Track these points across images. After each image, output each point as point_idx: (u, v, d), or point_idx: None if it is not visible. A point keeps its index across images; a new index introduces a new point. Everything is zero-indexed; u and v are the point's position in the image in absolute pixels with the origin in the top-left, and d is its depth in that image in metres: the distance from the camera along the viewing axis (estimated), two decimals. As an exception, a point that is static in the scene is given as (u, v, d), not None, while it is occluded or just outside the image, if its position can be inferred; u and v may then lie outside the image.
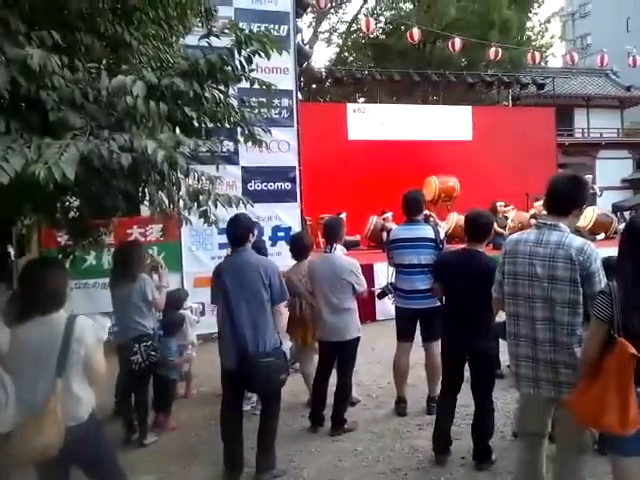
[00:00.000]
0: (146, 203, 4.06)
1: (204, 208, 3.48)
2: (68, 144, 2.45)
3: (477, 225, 4.17)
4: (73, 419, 2.72)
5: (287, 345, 5.67)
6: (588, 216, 12.30)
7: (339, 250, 4.93)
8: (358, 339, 4.88)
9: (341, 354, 4.86)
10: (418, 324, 5.14)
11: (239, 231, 4.09)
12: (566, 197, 3.02)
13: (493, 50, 17.47)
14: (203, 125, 3.76)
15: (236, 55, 3.42)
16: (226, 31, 3.77)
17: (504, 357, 5.10)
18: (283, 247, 7.49)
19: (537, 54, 19.40)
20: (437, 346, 4.92)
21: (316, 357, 5.18)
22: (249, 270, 3.99)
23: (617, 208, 20.65)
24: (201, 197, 3.36)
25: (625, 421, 2.41)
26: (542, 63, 25.03)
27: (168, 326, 5.20)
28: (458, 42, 17.09)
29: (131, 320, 4.66)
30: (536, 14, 27.00)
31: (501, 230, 11.49)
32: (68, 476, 2.96)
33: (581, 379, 2.68)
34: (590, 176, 18.01)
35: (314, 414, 4.92)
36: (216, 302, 4.21)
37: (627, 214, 17.80)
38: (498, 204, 12.61)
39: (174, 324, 5.28)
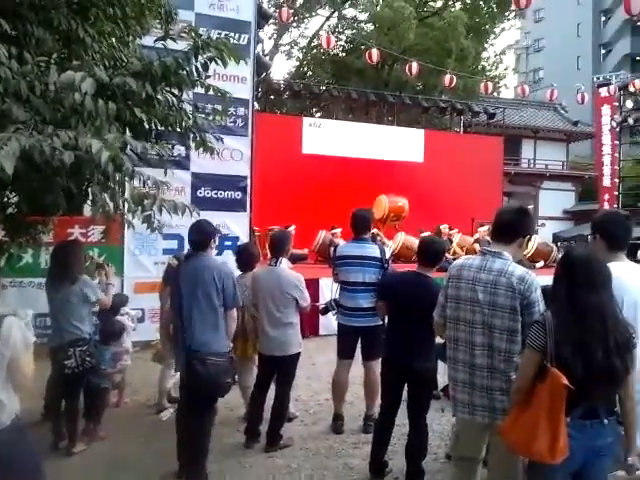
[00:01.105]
0: (89, 202, 3.95)
1: (148, 213, 3.40)
2: (10, 137, 2.36)
3: (431, 251, 4.24)
4: (-6, 424, 2.59)
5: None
6: (529, 244, 12.70)
7: (284, 264, 4.90)
8: (299, 354, 4.85)
9: (281, 369, 4.81)
10: (359, 342, 5.15)
11: (200, 237, 4.11)
12: (510, 226, 3.09)
13: (448, 77, 17.90)
14: (154, 128, 3.70)
15: (192, 60, 3.38)
16: (184, 35, 3.72)
17: (442, 378, 5.20)
18: (229, 257, 7.38)
19: (490, 84, 20.02)
20: (377, 365, 4.94)
21: (255, 370, 5.12)
22: (203, 273, 3.99)
23: (557, 238, 21.40)
24: (146, 201, 3.28)
25: (554, 450, 2.45)
26: (494, 93, 25.85)
27: (106, 334, 5.04)
28: (415, 66, 17.42)
29: (67, 323, 4.48)
30: (492, 45, 27.93)
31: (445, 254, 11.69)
32: None
33: (513, 406, 2.72)
34: (531, 206, 18.65)
35: (250, 429, 4.85)
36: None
37: (566, 244, 18.44)
38: (442, 227, 12.88)
39: (112, 333, 5.12)
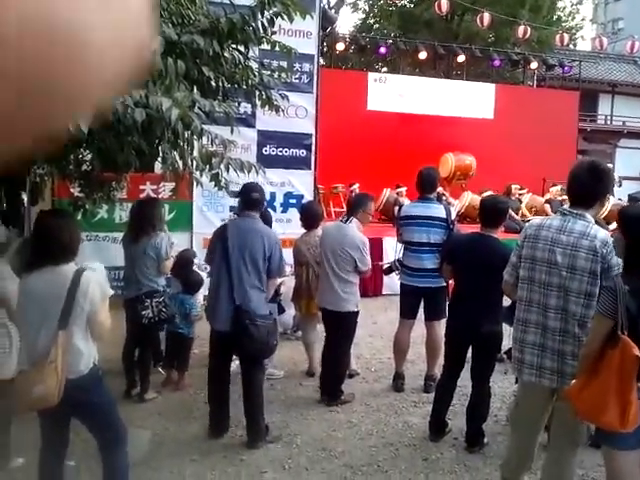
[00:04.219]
0: (160, 160, 4.04)
1: (216, 171, 3.45)
2: (83, 96, 2.41)
3: (494, 211, 4.13)
4: (73, 372, 2.74)
5: (291, 313, 5.72)
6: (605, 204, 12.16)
7: (354, 223, 4.86)
8: (356, 314, 4.86)
9: (339, 325, 4.84)
10: (422, 302, 5.13)
11: (255, 195, 4.15)
12: (587, 192, 2.93)
13: (522, 28, 17.01)
14: (220, 86, 3.71)
15: (258, 16, 3.34)
16: (250, -10, 3.68)
17: (506, 341, 5.13)
18: (294, 214, 7.45)
19: (566, 36, 18.93)
20: (439, 326, 4.93)
21: (319, 327, 5.19)
22: (253, 237, 4.04)
23: (632, 199, 20.36)
24: (214, 160, 3.32)
25: (625, 419, 2.40)
26: (570, 45, 24.46)
27: (192, 284, 5.21)
28: (487, 17, 16.63)
29: (143, 276, 4.70)
30: (568, -6, 26.34)
31: (513, 214, 11.35)
32: (68, 427, 3.02)
33: (580, 373, 2.65)
34: (610, 165, 17.75)
35: (324, 386, 4.92)
36: (210, 262, 4.28)
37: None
38: (513, 186, 12.45)
39: (197, 282, 5.30)
